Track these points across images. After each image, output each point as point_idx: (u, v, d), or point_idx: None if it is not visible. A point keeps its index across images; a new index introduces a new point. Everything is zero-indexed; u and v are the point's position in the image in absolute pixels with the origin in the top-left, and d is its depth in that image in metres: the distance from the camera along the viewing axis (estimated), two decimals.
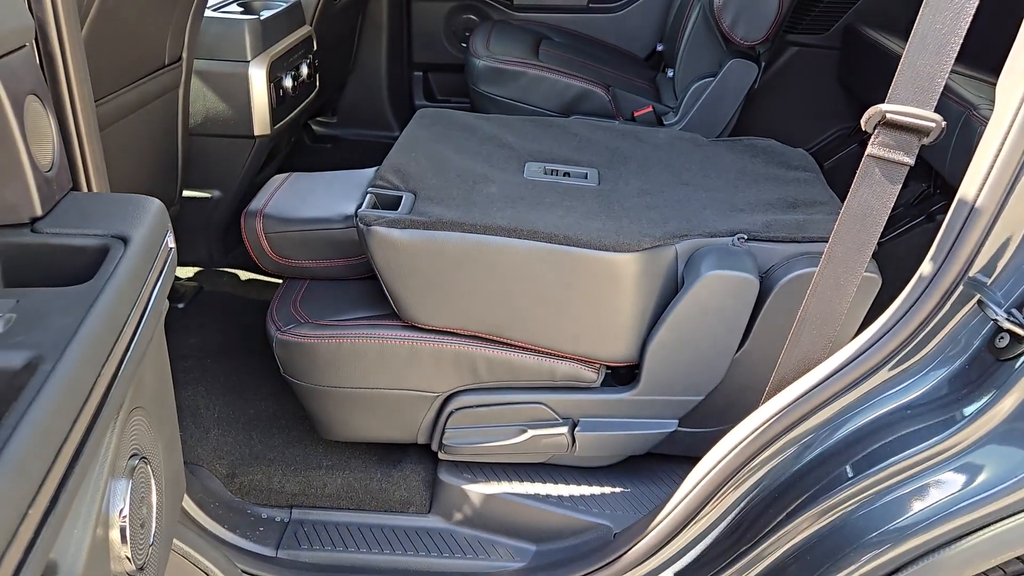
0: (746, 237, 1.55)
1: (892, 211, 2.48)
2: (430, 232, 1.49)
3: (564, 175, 1.78)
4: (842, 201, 2.46)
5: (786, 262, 1.54)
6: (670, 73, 2.81)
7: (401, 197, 1.59)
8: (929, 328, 1.26)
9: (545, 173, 1.77)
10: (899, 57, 2.57)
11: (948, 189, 2.36)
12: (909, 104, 1.30)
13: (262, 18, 2.16)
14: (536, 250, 1.49)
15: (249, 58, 2.10)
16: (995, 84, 2.47)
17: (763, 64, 2.58)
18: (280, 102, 2.23)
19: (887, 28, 2.90)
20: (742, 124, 2.77)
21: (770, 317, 1.54)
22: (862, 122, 1.31)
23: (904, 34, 2.94)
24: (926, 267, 1.27)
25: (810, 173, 1.89)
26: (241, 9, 2.27)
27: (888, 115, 1.28)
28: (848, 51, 2.98)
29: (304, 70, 2.40)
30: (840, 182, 2.90)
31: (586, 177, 1.77)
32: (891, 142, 1.31)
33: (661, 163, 1.86)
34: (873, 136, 1.32)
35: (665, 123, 2.67)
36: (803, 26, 3.04)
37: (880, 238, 2.47)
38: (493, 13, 3.21)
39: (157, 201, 1.02)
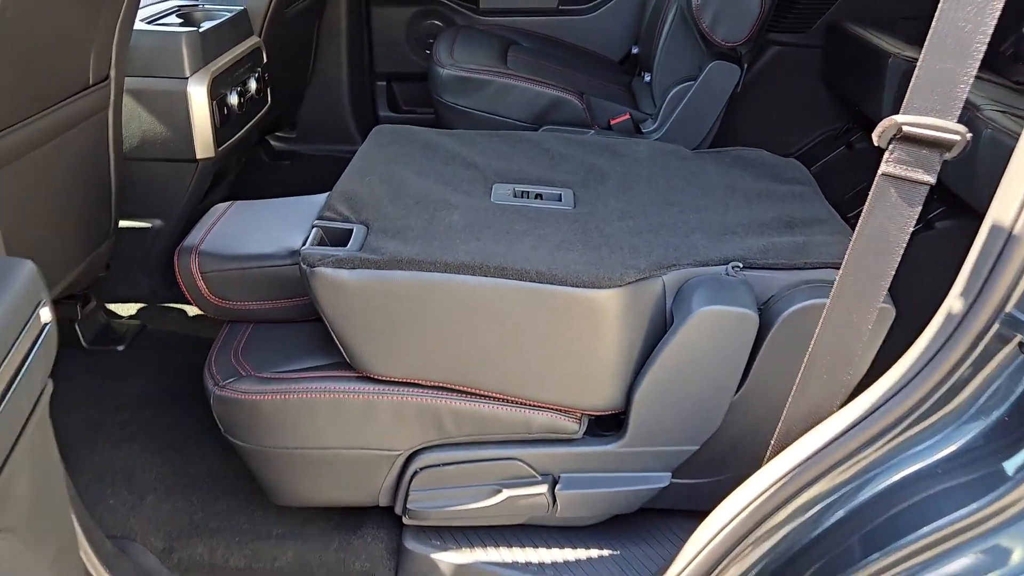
0: (741, 265, 1.37)
1: None
2: (384, 272, 1.30)
3: (536, 197, 1.59)
4: (842, 216, 2.27)
5: (787, 292, 1.36)
6: (647, 77, 2.63)
7: (351, 230, 1.40)
8: (960, 374, 1.08)
9: (515, 196, 1.58)
10: (885, 54, 2.41)
11: (947, 195, 2.19)
12: (928, 114, 1.11)
13: (202, 30, 1.95)
14: (505, 289, 1.29)
15: (187, 74, 1.90)
16: (998, 83, 2.31)
17: (745, 66, 2.40)
18: (225, 121, 2.02)
19: (872, 24, 2.74)
20: (724, 129, 2.59)
21: (771, 355, 1.36)
22: (874, 137, 1.12)
23: (890, 29, 2.79)
24: (955, 304, 1.09)
25: (805, 186, 1.71)
26: (180, 21, 2.06)
27: (905, 128, 1.10)
28: (832, 49, 2.82)
29: (252, 85, 2.19)
30: (829, 187, 2.72)
31: (560, 199, 1.58)
32: (908, 158, 1.12)
33: (642, 180, 1.68)
34: (887, 152, 1.13)
35: (643, 131, 2.48)
36: (784, 24, 2.87)
37: None
38: (458, 18, 3.02)
39: (28, 264, 0.82)
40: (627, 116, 2.47)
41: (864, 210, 1.17)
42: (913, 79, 1.10)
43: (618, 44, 3.01)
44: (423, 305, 1.30)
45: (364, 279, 1.29)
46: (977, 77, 2.27)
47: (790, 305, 1.33)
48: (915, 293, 2.25)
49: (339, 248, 1.34)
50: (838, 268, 1.41)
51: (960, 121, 2.00)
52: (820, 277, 1.37)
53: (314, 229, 1.40)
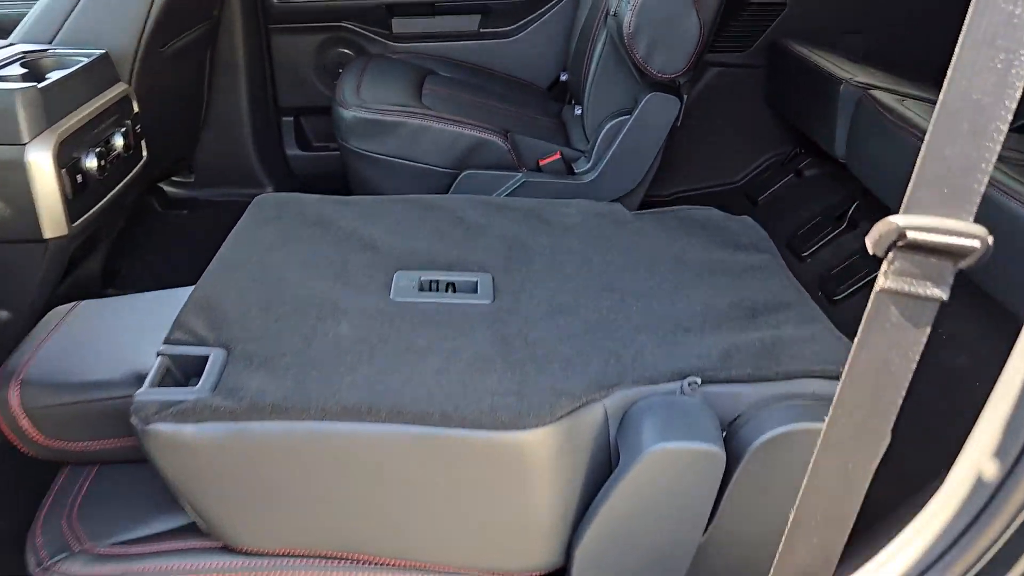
0: (699, 381, 1.09)
1: (846, 262, 2.05)
2: (243, 424, 0.98)
3: (447, 288, 1.28)
4: (797, 256, 1.96)
5: (756, 413, 1.08)
6: (578, 110, 2.35)
7: (207, 358, 1.08)
8: (996, 557, 0.82)
9: (421, 289, 1.27)
10: (836, 80, 2.15)
11: None
12: (937, 213, 0.83)
13: (43, 85, 1.60)
14: (403, 437, 0.99)
15: (26, 140, 1.54)
16: None
17: (685, 97, 2.13)
18: (80, 190, 1.67)
19: (814, 41, 2.50)
20: (664, 158, 2.32)
21: (742, 491, 1.08)
22: (868, 244, 0.83)
23: (832, 47, 2.55)
24: (987, 467, 0.81)
25: (763, 254, 1.44)
26: (24, 72, 1.70)
27: (909, 234, 0.81)
28: (775, 71, 2.57)
29: (119, 141, 1.83)
30: (780, 222, 2.47)
31: (476, 290, 1.28)
32: (914, 270, 0.84)
33: (575, 257, 1.38)
34: (886, 263, 0.85)
35: (576, 170, 2.20)
36: (723, 44, 2.61)
37: (837, 296, 2.05)
38: (369, 45, 2.69)
39: None
40: (557, 155, 2.18)
41: (859, 334, 0.89)
42: (916, 168, 0.82)
43: (546, 70, 2.72)
44: (297, 462, 0.99)
45: (216, 435, 0.97)
46: (927, 100, 2.03)
47: (761, 432, 1.05)
48: None
49: (185, 389, 1.02)
50: (814, 376, 1.15)
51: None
52: (793, 391, 1.10)
53: (158, 359, 1.08)
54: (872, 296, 0.86)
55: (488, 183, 2.13)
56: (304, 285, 1.24)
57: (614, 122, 2.15)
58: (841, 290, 2.06)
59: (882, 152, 1.95)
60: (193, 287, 1.27)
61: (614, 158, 2.15)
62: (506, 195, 2.12)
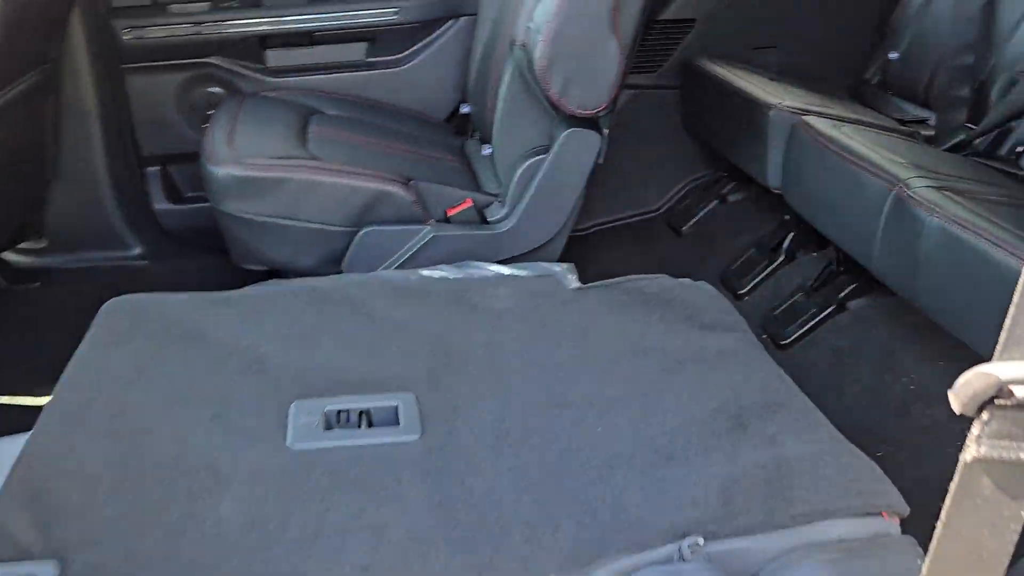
0: (701, 542, 0.84)
1: (788, 300, 1.85)
2: None
3: (360, 421, 0.99)
4: (734, 293, 1.74)
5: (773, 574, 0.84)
6: (487, 149, 2.07)
7: None
8: None
9: (327, 427, 0.97)
10: (763, 105, 1.94)
11: (857, 272, 1.78)
12: None
13: None
14: None
15: None
16: (892, 130, 1.88)
17: (606, 132, 1.89)
18: None
19: (727, 58, 2.32)
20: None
21: None
22: (954, 402, 0.59)
23: (747, 63, 2.37)
24: None
25: (733, 333, 1.20)
26: None
27: (1016, 389, 0.57)
28: (690, 93, 2.37)
29: None
30: (709, 256, 2.27)
31: (397, 420, 0.99)
32: (1015, 430, 0.60)
33: (516, 358, 1.11)
34: (977, 424, 0.61)
35: (490, 218, 1.92)
36: (634, 64, 2.40)
37: (784, 340, 1.85)
38: (241, 82, 2.33)
39: None
40: (468, 203, 1.90)
41: (943, 514, 0.65)
42: (1017, 298, 0.58)
43: (443, 101, 2.43)
44: None
45: None
46: (863, 124, 1.84)
47: None
48: (845, 387, 1.84)
49: None
50: (836, 516, 0.93)
51: (891, 200, 1.54)
52: (815, 538, 0.86)
53: None
54: (960, 467, 0.61)
55: (392, 240, 1.83)
56: (172, 438, 0.92)
57: (529, 162, 1.89)
58: (789, 333, 1.87)
59: (823, 182, 1.77)
60: (26, 439, 0.94)
61: (532, 203, 1.89)
62: (414, 252, 1.83)
